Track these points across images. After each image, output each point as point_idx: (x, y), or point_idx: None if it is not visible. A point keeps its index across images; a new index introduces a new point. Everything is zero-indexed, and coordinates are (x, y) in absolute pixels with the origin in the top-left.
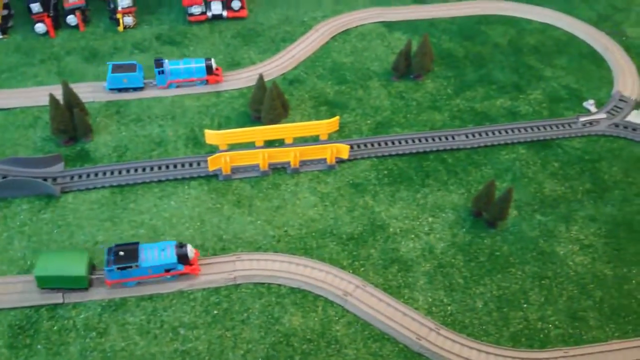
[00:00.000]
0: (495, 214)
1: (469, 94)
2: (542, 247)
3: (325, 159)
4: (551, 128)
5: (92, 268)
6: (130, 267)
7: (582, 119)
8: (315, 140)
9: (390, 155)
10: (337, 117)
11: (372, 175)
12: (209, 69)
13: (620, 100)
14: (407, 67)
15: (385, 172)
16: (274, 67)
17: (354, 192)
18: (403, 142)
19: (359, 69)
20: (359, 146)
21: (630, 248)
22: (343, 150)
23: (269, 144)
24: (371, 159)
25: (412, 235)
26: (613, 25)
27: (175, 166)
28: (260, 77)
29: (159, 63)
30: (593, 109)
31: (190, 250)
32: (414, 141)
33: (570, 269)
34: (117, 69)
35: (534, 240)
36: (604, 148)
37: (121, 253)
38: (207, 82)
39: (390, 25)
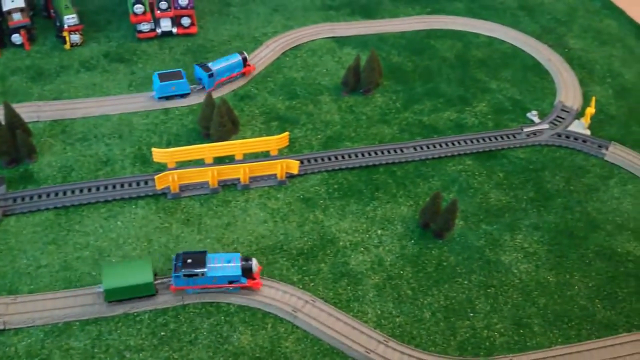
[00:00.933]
0: (441, 225)
1: (417, 107)
2: (487, 256)
3: (275, 175)
4: (496, 139)
5: (155, 274)
6: (197, 275)
7: (526, 129)
8: (266, 156)
9: (341, 169)
10: (287, 133)
11: (323, 190)
12: (244, 62)
13: (563, 110)
14: (356, 82)
15: (336, 186)
16: (225, 83)
17: (305, 207)
18: (353, 156)
19: (310, 84)
20: (309, 161)
21: (572, 254)
22: (293, 165)
23: (219, 160)
24: (321, 173)
25: (362, 249)
26: (556, 38)
27: (122, 185)
28: (208, 94)
29: (207, 68)
30: (536, 119)
31: (255, 265)
32: (363, 155)
33: (515, 277)
34: (164, 77)
35: (480, 249)
36: (547, 157)
37: (189, 260)
38: (243, 74)
39: (340, 41)
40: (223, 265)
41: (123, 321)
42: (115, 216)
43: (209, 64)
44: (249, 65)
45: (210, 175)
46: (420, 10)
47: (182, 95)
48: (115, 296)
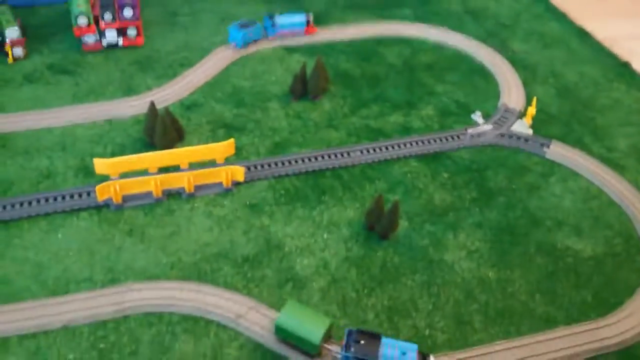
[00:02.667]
0: (386, 227)
1: (365, 111)
2: (431, 256)
3: (221, 182)
4: (441, 140)
5: (328, 337)
6: None
7: (470, 130)
8: (211, 164)
9: (287, 175)
10: (232, 140)
11: (269, 196)
12: (307, 23)
13: (506, 111)
14: (304, 89)
15: (282, 191)
16: (171, 92)
17: (251, 214)
18: (300, 162)
19: (259, 92)
20: (256, 167)
21: (513, 251)
22: (238, 172)
23: (164, 170)
24: (268, 179)
25: (308, 253)
26: (500, 41)
27: (63, 198)
28: (152, 104)
29: (270, 17)
30: (480, 120)
31: None
32: (310, 160)
33: (457, 275)
34: (243, 26)
35: (424, 249)
36: (490, 157)
37: (362, 341)
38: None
39: (290, 49)
40: (397, 355)
41: (62, 335)
42: (56, 229)
43: (275, 15)
44: (312, 27)
45: (153, 185)
46: (369, 18)
47: (256, 41)
48: (282, 335)
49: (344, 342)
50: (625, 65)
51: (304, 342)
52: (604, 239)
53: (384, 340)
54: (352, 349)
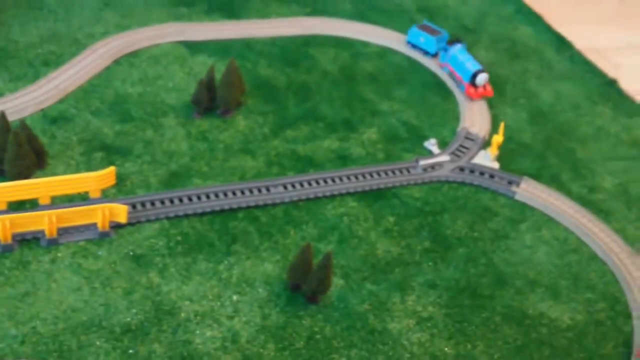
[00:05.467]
0: (314, 287)
1: (291, 133)
2: (372, 325)
3: (95, 225)
4: (387, 174)
5: None
6: None
7: (422, 162)
8: (84, 199)
9: (187, 216)
10: (113, 168)
11: (161, 244)
12: (472, 77)
13: (467, 138)
14: (211, 101)
15: (179, 237)
16: (30, 99)
17: (135, 268)
18: (204, 198)
19: (150, 102)
20: (144, 205)
21: (475, 319)
22: (119, 211)
23: (17, 207)
24: (160, 221)
25: (211, 321)
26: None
27: None
28: (2, 116)
29: (451, 42)
30: (435, 149)
31: None
32: (218, 196)
33: (405, 349)
34: (423, 27)
35: (363, 316)
36: (447, 197)
37: None
38: (464, 89)
39: (193, 46)
40: None
41: None
42: None
43: (458, 44)
44: (480, 88)
45: (0, 227)
46: (298, 11)
47: (426, 53)
48: None
49: None
50: (612, 84)
51: None
52: (585, 304)
53: None
54: None
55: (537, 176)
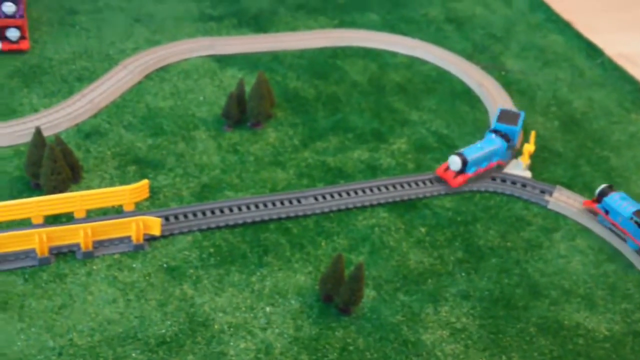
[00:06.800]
0: (346, 298)
1: (321, 144)
2: (405, 336)
3: (130, 237)
4: (417, 185)
5: None
6: None
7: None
8: (118, 212)
9: (219, 228)
10: (146, 181)
11: (194, 256)
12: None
13: None
14: (241, 114)
15: (212, 249)
16: (65, 115)
17: (169, 280)
18: (236, 210)
19: (181, 116)
20: (177, 217)
21: (509, 330)
22: (153, 224)
23: (53, 220)
24: (193, 233)
25: (244, 332)
26: (490, 57)
27: None
28: (38, 131)
29: (507, 138)
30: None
31: None
32: (249, 208)
33: None
34: (503, 117)
35: (396, 327)
36: (479, 207)
37: None
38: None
39: (222, 60)
40: None
41: None
42: None
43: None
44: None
45: (37, 241)
46: (326, 23)
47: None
48: None
49: None
50: None
51: None
52: (622, 314)
53: None
54: None
55: (570, 185)
